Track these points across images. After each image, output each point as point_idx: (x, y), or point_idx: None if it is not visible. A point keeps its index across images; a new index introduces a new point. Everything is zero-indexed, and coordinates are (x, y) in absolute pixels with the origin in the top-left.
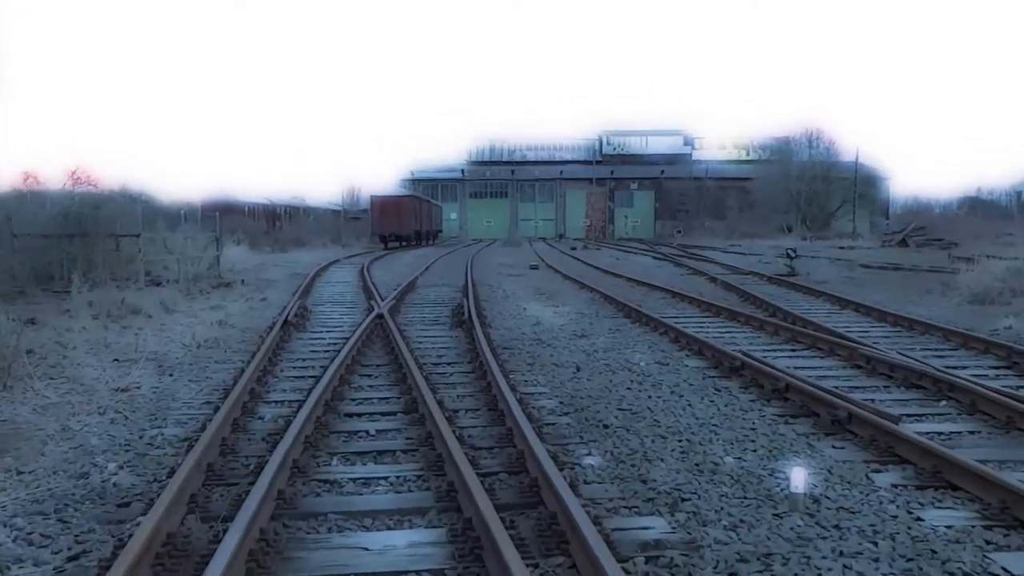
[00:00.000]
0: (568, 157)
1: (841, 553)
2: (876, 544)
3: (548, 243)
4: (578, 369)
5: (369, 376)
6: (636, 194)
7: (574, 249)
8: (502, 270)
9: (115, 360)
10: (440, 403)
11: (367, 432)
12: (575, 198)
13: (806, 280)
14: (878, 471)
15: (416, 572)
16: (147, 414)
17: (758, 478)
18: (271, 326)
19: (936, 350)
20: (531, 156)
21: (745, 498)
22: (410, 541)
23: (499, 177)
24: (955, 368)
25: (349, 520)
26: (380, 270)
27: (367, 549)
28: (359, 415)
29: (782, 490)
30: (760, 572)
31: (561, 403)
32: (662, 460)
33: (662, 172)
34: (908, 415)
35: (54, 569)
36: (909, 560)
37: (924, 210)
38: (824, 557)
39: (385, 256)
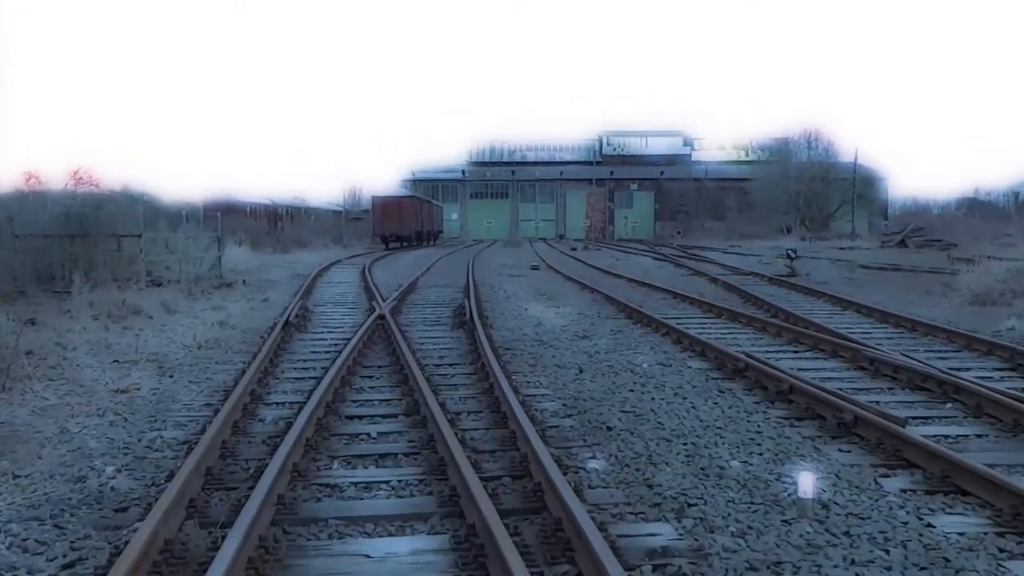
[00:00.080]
0: (568, 158)
1: (853, 561)
2: (888, 552)
3: (548, 244)
4: (580, 370)
5: (370, 377)
6: (636, 195)
7: (574, 250)
8: (503, 270)
9: (115, 361)
10: (442, 405)
11: (368, 435)
12: (575, 199)
13: (807, 281)
14: (886, 475)
15: None
16: (146, 416)
17: (765, 483)
18: (272, 327)
19: (939, 351)
20: (531, 157)
21: (752, 503)
22: (412, 548)
23: (500, 178)
24: (959, 370)
25: (350, 526)
26: (381, 270)
27: (368, 556)
28: (360, 417)
29: (789, 495)
30: None
31: (564, 405)
32: (667, 464)
33: (662, 173)
34: (914, 418)
35: None
36: (922, 569)
37: (922, 211)
38: (836, 566)
39: (386, 257)
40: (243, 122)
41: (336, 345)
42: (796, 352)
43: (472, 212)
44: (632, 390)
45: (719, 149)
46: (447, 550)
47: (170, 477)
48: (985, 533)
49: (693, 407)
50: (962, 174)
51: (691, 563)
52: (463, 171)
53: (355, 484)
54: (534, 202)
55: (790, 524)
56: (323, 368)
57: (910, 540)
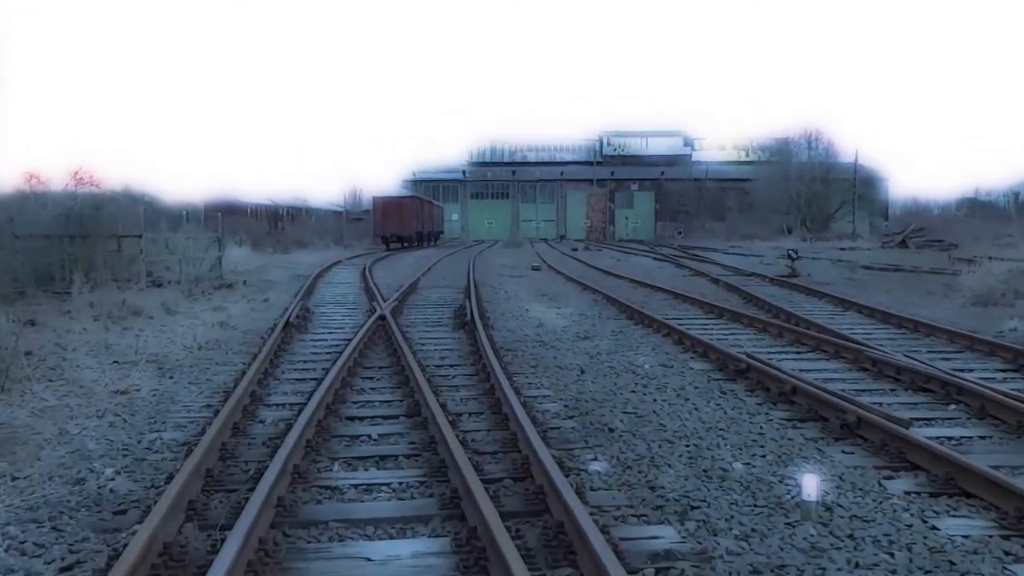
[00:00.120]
0: (569, 158)
1: (857, 565)
2: (892, 555)
3: (549, 244)
4: (582, 371)
5: (371, 379)
6: (636, 195)
7: (575, 250)
8: (504, 271)
9: (115, 362)
10: (443, 406)
11: (369, 436)
12: (576, 199)
13: (808, 281)
14: (890, 477)
15: None
16: (146, 417)
17: (768, 485)
18: (273, 327)
19: (942, 352)
20: (532, 157)
21: (756, 506)
22: (413, 551)
23: (500, 178)
24: (962, 371)
25: (350, 528)
26: (382, 271)
27: (369, 559)
28: (361, 419)
29: (793, 497)
30: None
31: (566, 406)
32: (670, 466)
33: (662, 173)
34: (917, 419)
35: None
36: (927, 572)
37: (923, 211)
38: (840, 569)
39: (387, 257)
40: (244, 122)
41: (337, 346)
42: (798, 353)
43: (473, 212)
44: (634, 391)
45: (719, 149)
46: (448, 553)
47: (169, 479)
48: (990, 536)
49: (695, 408)
50: (962, 174)
51: (694, 566)
52: (464, 171)
53: (356, 486)
54: (535, 202)
55: (794, 527)
56: (324, 369)
57: (915, 543)
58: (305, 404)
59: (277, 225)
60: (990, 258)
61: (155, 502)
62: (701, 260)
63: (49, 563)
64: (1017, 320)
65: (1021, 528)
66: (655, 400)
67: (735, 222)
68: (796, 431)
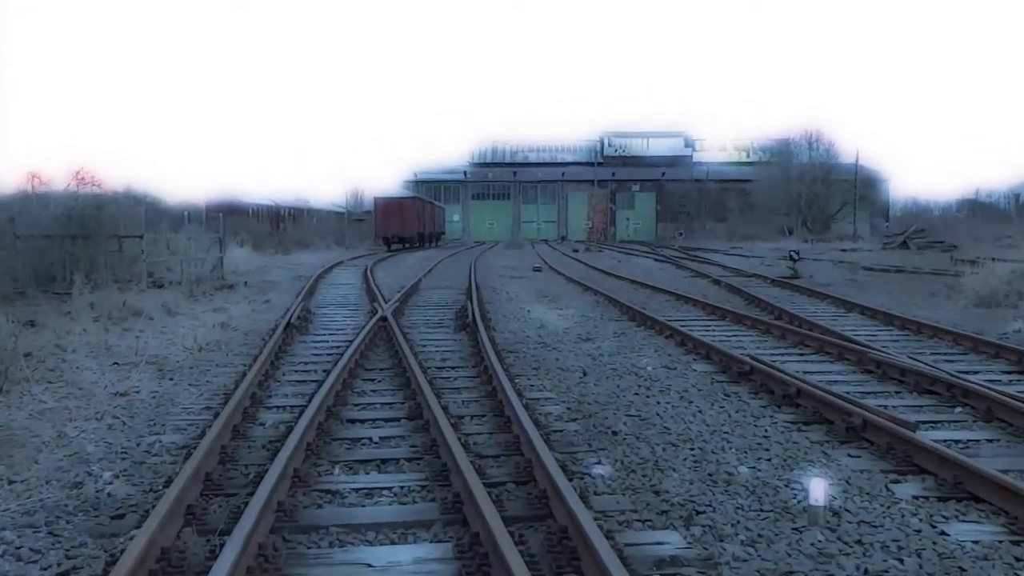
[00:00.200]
0: (570, 159)
1: (866, 571)
2: (902, 561)
3: (550, 245)
4: (584, 373)
5: (372, 380)
6: (637, 196)
7: (576, 251)
8: (505, 272)
9: (115, 363)
10: (445, 408)
11: (370, 439)
12: (577, 200)
13: (809, 283)
14: (897, 481)
15: None
16: (146, 420)
17: (774, 489)
18: (274, 329)
19: (946, 354)
20: (533, 157)
21: (762, 511)
22: (415, 557)
23: (501, 179)
24: (967, 373)
25: (351, 534)
26: (383, 272)
27: (370, 566)
28: (362, 421)
29: (799, 502)
30: None
31: (568, 409)
32: (674, 470)
33: (663, 174)
34: (923, 422)
35: None
36: None
37: (923, 212)
38: (848, 575)
39: (388, 258)
40: (246, 123)
41: (338, 347)
42: (801, 355)
43: (474, 213)
44: (637, 393)
45: (720, 150)
46: (450, 559)
47: (168, 483)
48: (1000, 541)
49: (699, 411)
50: (962, 175)
51: (700, 573)
52: (465, 172)
53: (356, 490)
54: (536, 203)
55: (801, 532)
56: (324, 371)
57: (924, 549)
58: (306, 406)
59: (279, 226)
60: (992, 259)
61: (153, 506)
62: (702, 261)
63: (45, 569)
64: (1021, 321)
65: None
66: (658, 402)
67: (736, 223)
68: (801, 434)
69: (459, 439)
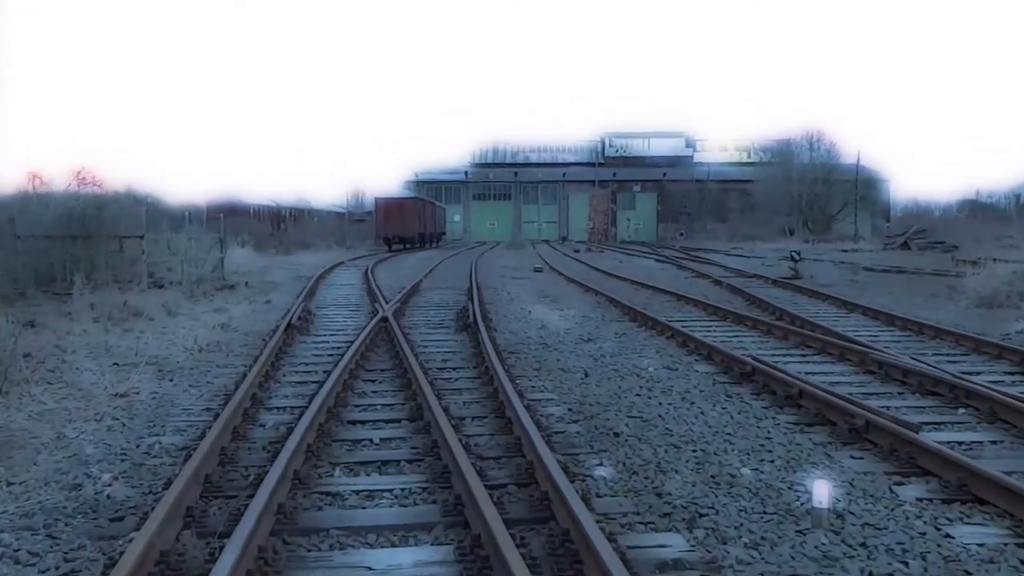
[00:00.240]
0: (571, 159)
1: (871, 575)
2: (907, 564)
3: (551, 245)
4: (586, 375)
5: (373, 381)
6: (638, 196)
7: (577, 252)
8: (506, 272)
9: (115, 364)
10: (446, 410)
11: (371, 441)
12: (578, 200)
13: (811, 283)
14: (901, 483)
15: None
16: (145, 421)
17: (777, 491)
18: (274, 329)
19: (948, 355)
20: (534, 158)
21: (765, 513)
22: (416, 560)
23: (502, 179)
24: (970, 374)
25: (352, 536)
26: (384, 272)
27: (371, 568)
28: (363, 422)
29: (802, 504)
30: None
31: (570, 410)
32: (676, 472)
33: (664, 174)
34: (927, 423)
35: None
36: None
37: (924, 213)
38: None
39: (389, 258)
40: (247, 123)
41: (339, 348)
42: (803, 355)
43: (475, 214)
44: (639, 394)
45: (721, 151)
46: (452, 562)
47: (168, 485)
48: (1005, 544)
49: (701, 412)
50: (963, 175)
51: None
52: (466, 172)
53: (357, 492)
54: (537, 204)
55: (804, 535)
56: (325, 372)
57: (929, 552)
58: (306, 407)
59: (280, 226)
60: (994, 260)
61: (153, 509)
62: (703, 262)
63: (43, 572)
64: (1023, 322)
65: None
66: (660, 404)
67: (737, 223)
68: (804, 435)
69: (460, 440)
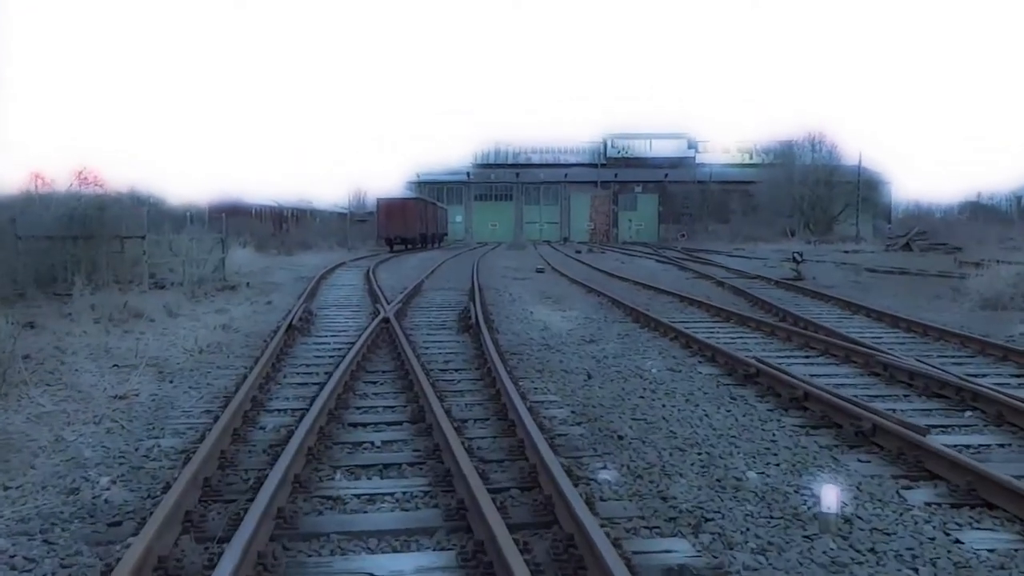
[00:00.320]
0: (572, 160)
1: None
2: (916, 571)
3: (553, 246)
4: (589, 376)
5: (374, 383)
6: (640, 197)
7: (579, 252)
8: (508, 273)
9: (115, 366)
10: (448, 412)
11: (372, 443)
12: (579, 201)
13: (813, 284)
14: (909, 487)
15: None
16: (144, 423)
17: (784, 495)
18: (275, 330)
19: (953, 357)
20: (536, 159)
21: (772, 517)
22: (418, 565)
23: (504, 180)
24: (975, 376)
25: (352, 541)
26: (386, 273)
27: (372, 575)
28: (364, 425)
29: (809, 508)
30: None
31: (573, 412)
32: (681, 475)
33: (666, 175)
34: (933, 426)
35: None
36: None
37: (925, 214)
38: None
39: (391, 259)
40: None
41: (340, 349)
42: (807, 357)
43: (477, 214)
44: (642, 397)
45: (723, 152)
46: (454, 567)
47: (166, 489)
48: (1016, 550)
49: (706, 415)
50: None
51: None
52: (468, 173)
53: (358, 496)
54: (538, 204)
55: (812, 540)
56: (326, 373)
57: (939, 557)
58: (307, 409)
59: (281, 226)
60: (997, 261)
61: (151, 513)
62: (705, 263)
63: None
64: None
65: None
66: (664, 406)
67: (738, 224)
68: (810, 438)
69: (462, 443)
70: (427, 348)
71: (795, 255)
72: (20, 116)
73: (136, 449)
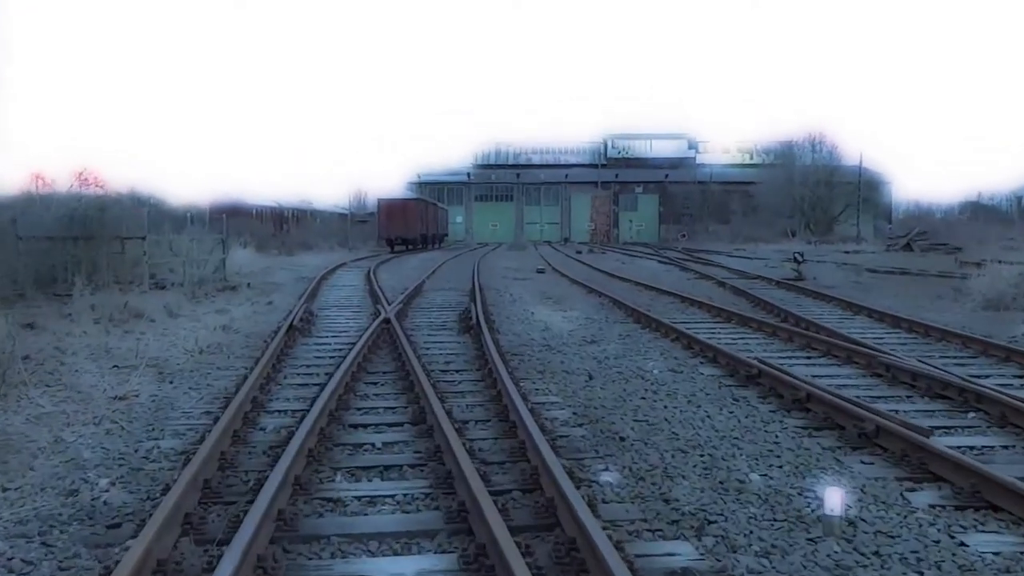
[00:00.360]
0: (573, 160)
1: None
2: (921, 574)
3: (553, 247)
4: (590, 377)
5: (375, 384)
6: (641, 198)
7: (579, 253)
8: (508, 274)
9: (115, 366)
10: (449, 413)
11: (373, 445)
12: (580, 201)
13: (814, 285)
14: (913, 489)
15: None
16: (144, 424)
17: (787, 497)
18: (276, 331)
19: (955, 357)
20: (536, 159)
21: (775, 520)
22: (419, 568)
23: (505, 180)
24: (978, 377)
25: (353, 543)
26: (386, 274)
27: None
28: (364, 426)
29: (813, 511)
30: None
31: (574, 413)
32: (684, 477)
33: (666, 176)
34: (936, 428)
35: None
36: None
37: (926, 215)
38: None
39: (391, 260)
40: (249, 124)
41: (340, 350)
42: (809, 358)
43: (477, 215)
44: (644, 398)
45: (724, 152)
46: (455, 570)
47: (166, 490)
48: (1022, 553)
49: (708, 416)
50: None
51: None
52: (468, 173)
53: (359, 498)
54: (539, 205)
55: (816, 543)
56: (327, 374)
57: (944, 560)
58: (308, 411)
59: (282, 227)
60: (998, 262)
61: (150, 515)
62: (706, 263)
63: None
64: None
65: None
66: (666, 407)
67: (739, 225)
68: (812, 440)
69: (464, 445)
70: (428, 349)
71: (796, 255)
72: (20, 116)
73: (136, 450)
